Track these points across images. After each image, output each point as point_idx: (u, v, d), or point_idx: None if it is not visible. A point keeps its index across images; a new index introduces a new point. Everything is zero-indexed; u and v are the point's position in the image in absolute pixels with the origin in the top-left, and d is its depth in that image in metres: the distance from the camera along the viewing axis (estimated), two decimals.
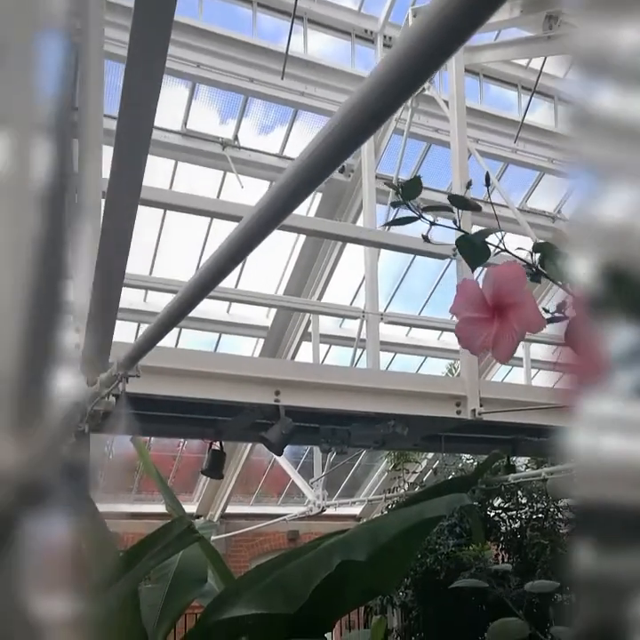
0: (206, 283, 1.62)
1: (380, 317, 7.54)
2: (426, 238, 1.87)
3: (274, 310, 9.82)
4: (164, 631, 4.61)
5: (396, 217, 1.31)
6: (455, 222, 1.19)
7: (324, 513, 9.52)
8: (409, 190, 1.14)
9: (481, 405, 5.22)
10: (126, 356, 1.97)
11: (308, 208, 8.79)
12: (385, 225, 7.84)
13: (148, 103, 1.68)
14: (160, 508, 11.01)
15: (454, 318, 1.12)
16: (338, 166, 1.25)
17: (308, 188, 1.23)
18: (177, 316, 1.80)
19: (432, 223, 1.20)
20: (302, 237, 8.98)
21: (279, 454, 4.80)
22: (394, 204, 1.21)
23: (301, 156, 1.16)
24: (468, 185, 2.20)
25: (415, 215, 1.20)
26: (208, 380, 4.55)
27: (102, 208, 2.83)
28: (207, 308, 9.14)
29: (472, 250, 1.15)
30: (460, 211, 1.21)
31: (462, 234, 1.14)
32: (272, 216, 1.35)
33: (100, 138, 2.83)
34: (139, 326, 9.36)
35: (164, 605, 4.67)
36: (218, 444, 5.81)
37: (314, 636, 4.40)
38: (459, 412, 5.24)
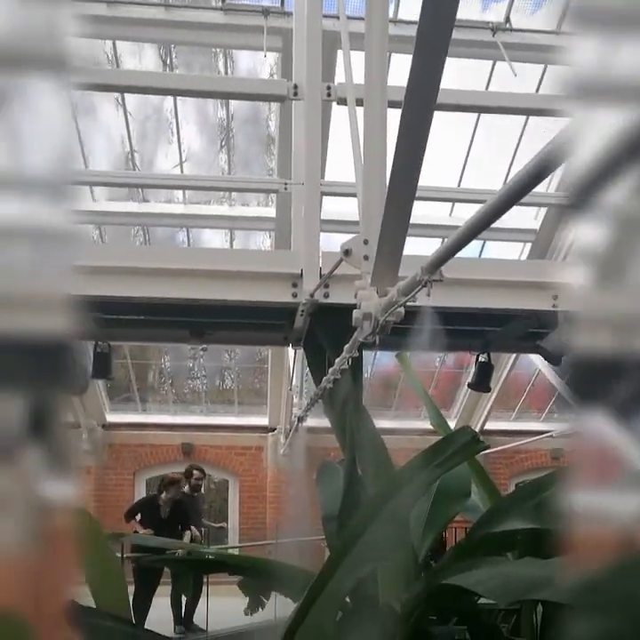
0: (519, 189, 1.52)
1: None
2: None
3: (543, 211, 9.30)
4: (428, 544, 4.77)
5: None
6: None
7: None
8: None
9: None
10: (431, 262, 1.96)
11: (537, 86, 8.11)
12: None
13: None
14: (417, 423, 11.41)
15: None
16: None
17: None
18: (484, 224, 1.74)
19: None
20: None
21: (557, 364, 4.64)
22: None
23: None
24: None
25: None
26: (475, 288, 4.41)
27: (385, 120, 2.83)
28: (428, 213, 8.89)
29: None
30: None
31: None
32: None
33: (385, 45, 2.79)
34: (442, 242, 9.36)
35: (429, 518, 4.79)
36: (485, 355, 5.75)
37: None
38: None
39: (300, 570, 5.27)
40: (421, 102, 1.85)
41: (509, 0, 7.73)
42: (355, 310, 2.61)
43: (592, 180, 0.98)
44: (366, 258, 2.62)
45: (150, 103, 9.20)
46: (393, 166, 2.04)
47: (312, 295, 3.95)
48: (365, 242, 2.63)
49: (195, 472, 8.82)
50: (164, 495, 8.28)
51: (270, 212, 9.34)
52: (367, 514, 3.35)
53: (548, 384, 11.65)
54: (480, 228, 1.76)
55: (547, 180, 8.95)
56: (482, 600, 5.38)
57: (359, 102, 3.18)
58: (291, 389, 8.48)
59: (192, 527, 8.35)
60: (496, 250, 10.30)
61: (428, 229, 9.01)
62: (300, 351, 6.37)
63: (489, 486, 6.01)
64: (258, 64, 8.62)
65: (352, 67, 3.71)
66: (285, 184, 5.81)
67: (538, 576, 3.10)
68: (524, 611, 5.45)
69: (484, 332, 5.26)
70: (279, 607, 7.44)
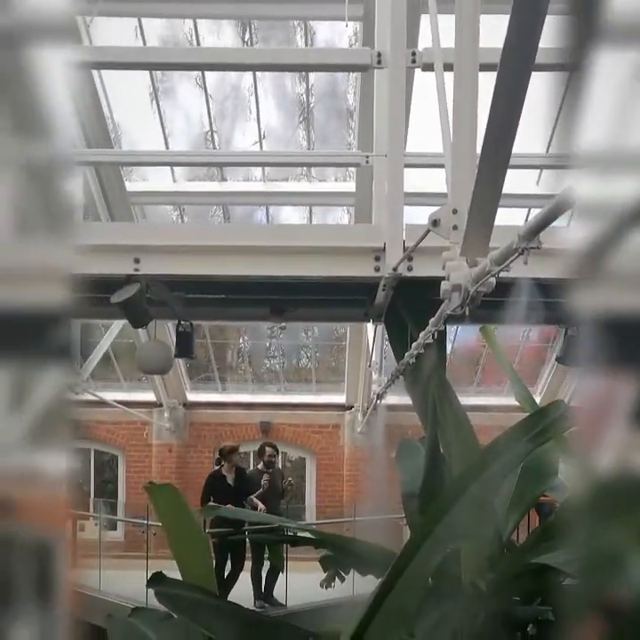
0: None
1: None
2: None
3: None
4: (513, 523, 4.70)
5: None
6: None
7: None
8: None
9: None
10: (528, 229, 1.91)
11: None
12: None
13: None
14: (500, 400, 11.25)
15: None
16: None
17: None
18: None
19: None
20: None
21: None
22: None
23: None
24: None
25: None
26: (564, 257, 4.24)
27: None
28: (513, 182, 8.51)
29: None
30: None
31: None
32: None
33: (478, 5, 2.71)
34: (529, 212, 8.94)
35: (514, 497, 4.73)
36: (574, 328, 5.56)
37: None
38: None
39: (382, 548, 5.30)
40: (519, 63, 1.81)
41: None
42: (443, 282, 2.58)
43: None
44: (455, 228, 2.58)
45: (228, 81, 9.27)
46: (486, 132, 2.00)
47: (395, 268, 3.92)
48: (454, 211, 2.59)
49: (267, 449, 8.93)
50: (225, 465, 8.49)
51: (349, 186, 9.30)
52: (455, 490, 3.32)
53: None
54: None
55: None
56: (568, 581, 5.28)
57: (447, 67, 3.12)
58: (370, 366, 8.46)
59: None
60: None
61: (514, 199, 8.68)
62: (380, 327, 6.36)
63: (582, 465, 5.86)
64: (336, 35, 8.54)
65: (439, 31, 3.63)
66: (367, 157, 5.77)
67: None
68: None
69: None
70: (357, 583, 7.50)
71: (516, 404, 6.96)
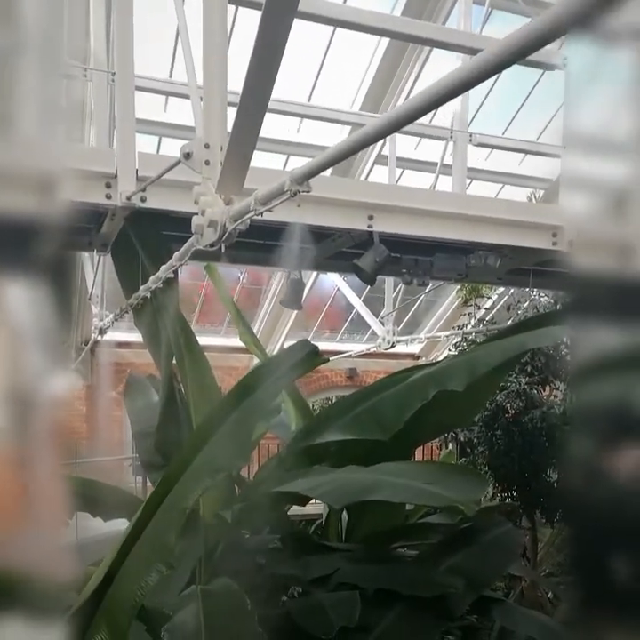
0: (407, 116, 1.65)
1: (469, 138, 7.40)
2: None
3: (347, 128, 9.61)
4: (241, 458, 5.04)
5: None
6: None
7: (380, 351, 9.90)
8: None
9: None
10: (301, 173, 2.03)
11: (393, 8, 8.34)
12: None
13: None
14: (217, 340, 11.71)
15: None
16: None
17: None
18: (363, 144, 1.85)
19: None
20: (383, 43, 8.59)
21: (371, 284, 4.89)
22: None
23: None
24: None
25: None
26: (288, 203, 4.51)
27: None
28: (274, 128, 8.96)
29: None
30: None
31: None
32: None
33: None
34: (288, 159, 9.53)
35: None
36: (297, 272, 5.86)
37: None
38: (554, 244, 5.16)
39: (116, 488, 5.32)
40: (282, 9, 1.91)
41: None
42: (195, 216, 2.62)
43: None
44: (208, 163, 2.64)
45: None
46: (247, 74, 2.08)
47: (129, 198, 3.86)
48: (207, 146, 2.64)
49: None
50: None
51: None
52: (210, 425, 3.46)
53: (345, 305, 12.26)
54: (358, 147, 1.87)
55: (353, 96, 9.29)
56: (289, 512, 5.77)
57: None
58: (90, 299, 8.19)
59: None
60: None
61: (273, 144, 9.19)
62: (104, 258, 6.21)
63: (301, 404, 6.36)
64: None
65: None
66: (85, 70, 5.46)
67: (366, 481, 3.44)
68: (331, 519, 5.96)
69: (299, 248, 5.45)
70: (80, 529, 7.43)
71: (234, 344, 7.10)
